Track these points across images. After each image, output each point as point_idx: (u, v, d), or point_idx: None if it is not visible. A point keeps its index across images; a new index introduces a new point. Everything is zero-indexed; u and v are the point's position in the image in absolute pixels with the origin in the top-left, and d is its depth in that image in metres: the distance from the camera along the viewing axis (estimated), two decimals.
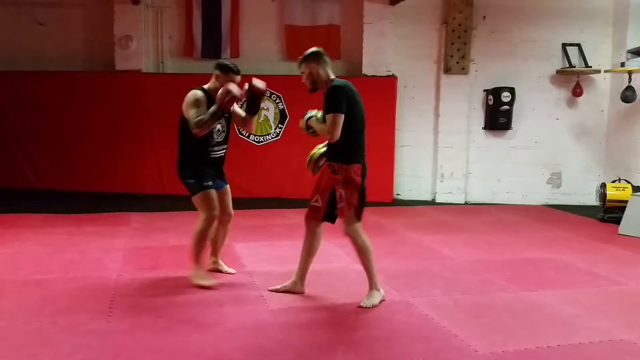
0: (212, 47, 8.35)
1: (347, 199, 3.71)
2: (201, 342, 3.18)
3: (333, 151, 3.78)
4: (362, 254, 3.80)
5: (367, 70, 8.18)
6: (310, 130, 3.95)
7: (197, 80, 7.90)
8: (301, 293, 3.99)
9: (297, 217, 6.52)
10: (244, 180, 7.75)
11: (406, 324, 3.52)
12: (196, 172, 4.14)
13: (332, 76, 3.79)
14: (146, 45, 8.41)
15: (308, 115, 3.98)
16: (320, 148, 4.02)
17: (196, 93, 4.09)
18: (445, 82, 8.31)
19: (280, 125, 8.25)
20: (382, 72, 8.15)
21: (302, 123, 4.01)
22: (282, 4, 8.40)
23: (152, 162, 8.24)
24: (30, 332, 3.25)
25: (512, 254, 5.40)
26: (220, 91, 3.91)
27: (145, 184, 8.27)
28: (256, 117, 4.57)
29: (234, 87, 3.90)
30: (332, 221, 3.94)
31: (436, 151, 8.47)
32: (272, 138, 8.31)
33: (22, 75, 8.26)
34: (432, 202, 8.41)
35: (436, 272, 4.65)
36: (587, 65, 8.16)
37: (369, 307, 3.75)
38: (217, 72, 4.12)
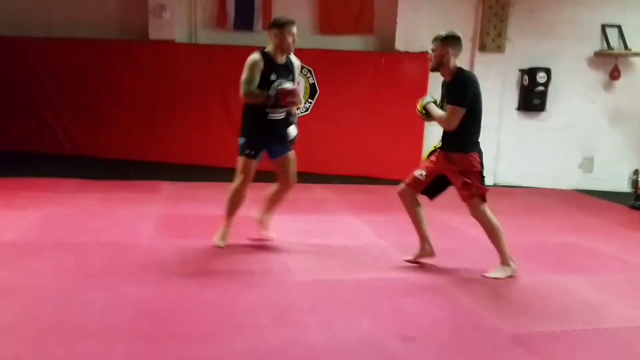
0: (244, 18, 8.31)
1: (471, 188, 3.88)
2: (229, 306, 3.25)
3: (449, 140, 3.90)
4: (491, 232, 4.00)
5: (400, 45, 8.03)
6: (424, 114, 4.02)
7: (228, 51, 8.05)
8: (433, 256, 4.18)
9: (324, 192, 6.58)
10: None
11: (431, 302, 3.54)
12: (249, 133, 4.18)
13: (458, 64, 3.85)
14: (179, 15, 8.42)
15: (427, 100, 4.03)
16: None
17: (254, 57, 4.06)
18: (480, 60, 8.14)
19: (310, 100, 8.19)
20: (415, 49, 7.99)
21: (419, 105, 4.04)
22: None
23: (182, 132, 8.33)
24: (64, 292, 3.35)
25: (541, 238, 5.35)
26: (281, 89, 3.98)
27: (175, 153, 8.37)
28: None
29: (297, 90, 4.07)
30: (430, 197, 4.14)
31: None
32: (302, 112, 8.29)
33: (56, 41, 8.34)
34: None
35: (464, 253, 4.64)
36: (626, 48, 7.92)
37: (491, 278, 3.96)
38: (274, 29, 4.06)
